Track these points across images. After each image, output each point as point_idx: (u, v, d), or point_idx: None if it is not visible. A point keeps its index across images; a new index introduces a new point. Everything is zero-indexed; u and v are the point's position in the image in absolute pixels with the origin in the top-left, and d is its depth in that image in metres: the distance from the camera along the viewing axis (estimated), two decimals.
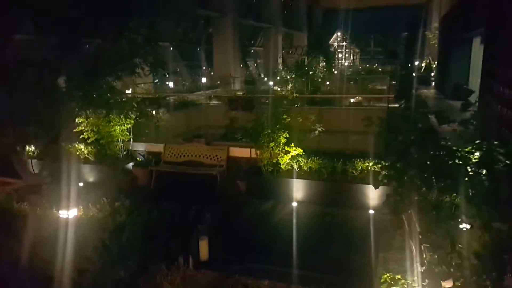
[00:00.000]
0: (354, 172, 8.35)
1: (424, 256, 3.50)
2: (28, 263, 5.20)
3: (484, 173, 3.44)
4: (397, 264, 4.47)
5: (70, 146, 9.94)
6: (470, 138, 3.83)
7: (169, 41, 23.26)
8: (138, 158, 10.23)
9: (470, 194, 3.21)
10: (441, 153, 3.76)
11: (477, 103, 8.19)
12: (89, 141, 10.01)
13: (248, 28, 32.05)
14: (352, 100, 16.92)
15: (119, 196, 7.60)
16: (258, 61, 36.73)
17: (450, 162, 3.66)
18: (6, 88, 5.10)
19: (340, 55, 36.39)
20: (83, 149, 10.31)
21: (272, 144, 8.74)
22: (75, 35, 5.22)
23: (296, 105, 11.38)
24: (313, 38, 34.71)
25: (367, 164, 8.29)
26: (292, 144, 8.76)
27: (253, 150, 9.23)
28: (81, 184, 9.23)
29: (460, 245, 3.15)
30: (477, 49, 15.12)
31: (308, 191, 8.45)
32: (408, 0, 39.86)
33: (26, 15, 5.20)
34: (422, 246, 3.55)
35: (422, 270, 3.32)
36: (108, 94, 5.82)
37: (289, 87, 17.35)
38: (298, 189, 8.47)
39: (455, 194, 3.42)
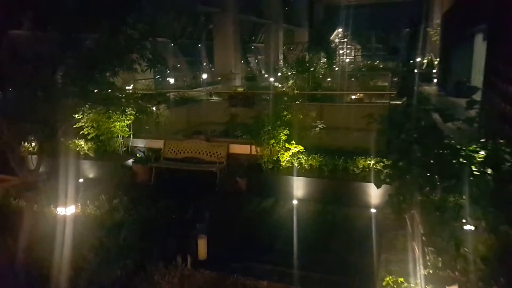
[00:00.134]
0: (356, 170, 8.27)
1: (428, 258, 3.41)
2: (22, 261, 5.13)
3: (489, 172, 3.35)
4: (400, 266, 4.38)
5: (70, 142, 9.89)
6: (473, 137, 3.74)
7: (169, 37, 23.12)
8: (138, 155, 10.19)
9: (475, 194, 3.12)
10: (445, 151, 3.67)
11: (480, 101, 8.09)
12: (89, 137, 9.99)
13: (249, 24, 31.91)
14: (353, 97, 16.81)
15: (118, 192, 7.53)
16: (259, 57, 36.60)
17: (454, 161, 3.57)
18: (0, 85, 5.03)
19: (341, 52, 36.16)
20: (83, 145, 10.27)
21: (272, 141, 8.66)
22: (71, 30, 5.13)
23: (297, 102, 11.28)
24: (315, 35, 34.53)
25: (368, 162, 8.21)
26: (293, 141, 8.68)
27: (253, 147, 9.15)
28: (80, 180, 9.19)
29: (466, 249, 3.05)
30: (480, 46, 14.99)
31: (308, 188, 8.38)
32: None
33: (22, 10, 5.11)
34: (426, 248, 3.46)
35: (426, 273, 3.23)
36: (105, 90, 5.70)
37: (290, 83, 17.23)
38: (298, 187, 8.40)
39: (459, 195, 3.32)
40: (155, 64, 5.71)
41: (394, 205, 3.71)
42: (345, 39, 37.34)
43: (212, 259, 5.88)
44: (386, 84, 21.29)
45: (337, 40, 37.07)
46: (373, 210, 7.49)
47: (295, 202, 8.13)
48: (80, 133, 9.89)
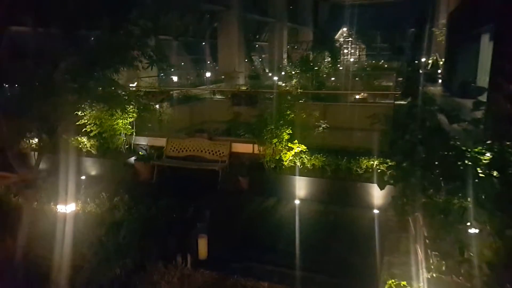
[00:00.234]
0: (359, 170, 8.19)
1: (431, 261, 3.34)
2: (20, 258, 5.10)
3: (495, 175, 3.27)
4: (402, 269, 4.30)
5: (72, 139, 9.87)
6: (478, 138, 3.66)
7: (173, 35, 23.09)
8: (140, 152, 10.16)
9: (481, 197, 3.04)
10: (450, 153, 3.60)
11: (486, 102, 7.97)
12: (91, 134, 9.97)
13: (253, 22, 31.81)
14: (357, 97, 16.69)
15: (119, 190, 7.48)
16: (263, 56, 36.50)
17: (459, 163, 3.49)
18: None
19: (345, 51, 36.02)
20: (85, 142, 10.25)
21: (275, 140, 8.60)
22: (71, 26, 5.09)
23: (300, 101, 11.20)
24: (319, 34, 34.44)
25: (372, 163, 8.13)
26: (296, 141, 8.61)
27: (256, 146, 9.09)
28: (81, 177, 9.16)
29: (470, 253, 2.98)
30: (486, 46, 14.86)
31: (311, 188, 8.31)
32: None
33: (23, 6, 5.07)
34: (429, 251, 3.39)
35: (429, 276, 3.16)
36: (106, 88, 5.65)
37: (293, 82, 17.15)
38: (301, 187, 8.33)
39: (464, 197, 3.24)
40: (156, 61, 5.66)
41: (397, 207, 3.64)
42: (350, 38, 37.20)
43: (213, 258, 5.82)
44: (391, 84, 21.17)
45: (341, 39, 36.95)
46: (376, 211, 7.41)
47: (297, 202, 8.06)
48: (83, 130, 9.87)
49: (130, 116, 9.98)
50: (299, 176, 8.38)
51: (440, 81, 23.70)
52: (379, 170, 7.86)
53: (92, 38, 5.56)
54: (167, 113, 12.28)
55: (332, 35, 33.67)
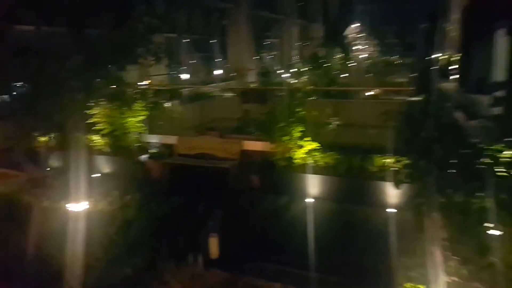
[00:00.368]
0: (373, 168, 8.04)
1: (450, 265, 3.22)
2: (30, 257, 5.09)
3: None
4: (420, 272, 4.17)
5: (84, 137, 9.89)
6: (495, 135, 3.54)
7: (182, 33, 23.04)
8: (151, 150, 10.15)
9: (503, 198, 2.92)
10: (468, 151, 3.48)
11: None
12: (102, 132, 9.98)
13: (263, 19, 31.62)
14: (369, 93, 16.48)
15: (131, 188, 7.47)
16: (273, 53, 36.29)
17: (478, 162, 3.37)
18: (6, 79, 4.98)
19: (357, 47, 35.62)
20: (98, 140, 10.27)
21: (286, 137, 8.50)
22: (75, 23, 5.04)
23: (311, 98, 11.08)
24: (329, 30, 34.14)
25: (385, 160, 7.97)
26: (307, 138, 8.50)
27: (267, 143, 9.00)
28: (93, 176, 9.16)
29: (493, 258, 2.86)
30: (502, 42, 14.55)
31: (323, 187, 8.21)
32: None
33: (26, 4, 5.04)
34: (448, 254, 3.28)
35: (449, 281, 3.05)
36: (112, 85, 5.60)
37: (304, 79, 17.00)
38: (313, 185, 8.23)
39: (484, 197, 3.11)
40: (162, 59, 5.59)
41: (414, 207, 3.53)
42: (361, 34, 36.80)
43: (224, 258, 5.75)
44: (404, 80, 20.91)
45: (352, 35, 36.58)
46: (391, 211, 7.27)
47: (309, 200, 7.96)
48: (94, 128, 9.88)
49: (141, 114, 9.97)
50: (311, 174, 8.27)
51: (454, 77, 23.33)
52: (393, 169, 7.69)
53: (96, 36, 5.50)
54: (178, 111, 12.27)
55: (342, 31, 33.29)
